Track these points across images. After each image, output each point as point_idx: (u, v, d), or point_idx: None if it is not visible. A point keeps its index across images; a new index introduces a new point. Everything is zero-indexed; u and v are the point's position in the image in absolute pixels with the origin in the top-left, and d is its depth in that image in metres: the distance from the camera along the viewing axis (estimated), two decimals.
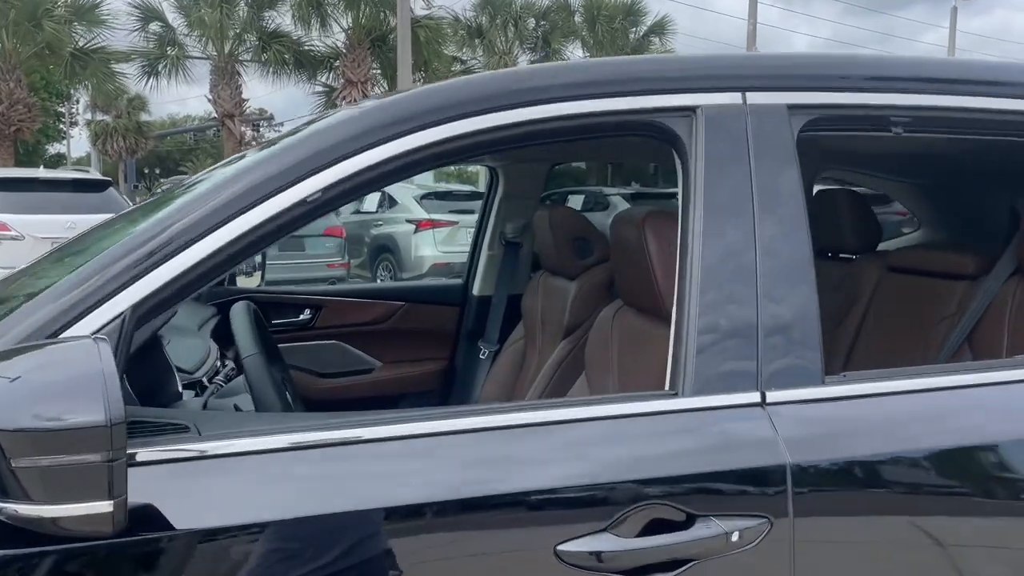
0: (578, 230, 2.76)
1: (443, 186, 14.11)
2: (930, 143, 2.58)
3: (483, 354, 3.13)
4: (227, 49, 18.68)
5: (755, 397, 1.42)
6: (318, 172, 1.35)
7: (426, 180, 13.10)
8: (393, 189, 12.32)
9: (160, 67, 18.41)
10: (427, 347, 3.21)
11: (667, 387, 1.45)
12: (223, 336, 1.92)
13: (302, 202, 1.34)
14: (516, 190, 3.15)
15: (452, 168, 26.48)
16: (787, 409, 1.42)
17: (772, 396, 1.42)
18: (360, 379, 3.09)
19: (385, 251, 11.47)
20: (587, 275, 2.72)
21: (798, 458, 1.36)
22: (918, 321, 2.58)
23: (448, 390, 3.20)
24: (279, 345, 3.00)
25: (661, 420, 1.40)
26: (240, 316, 1.67)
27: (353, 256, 11.27)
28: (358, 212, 12.28)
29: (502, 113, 1.43)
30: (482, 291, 3.23)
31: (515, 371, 2.96)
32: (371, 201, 12.20)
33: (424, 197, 11.61)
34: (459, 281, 3.36)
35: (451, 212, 10.97)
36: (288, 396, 1.73)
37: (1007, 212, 3.12)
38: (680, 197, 1.54)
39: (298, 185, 1.34)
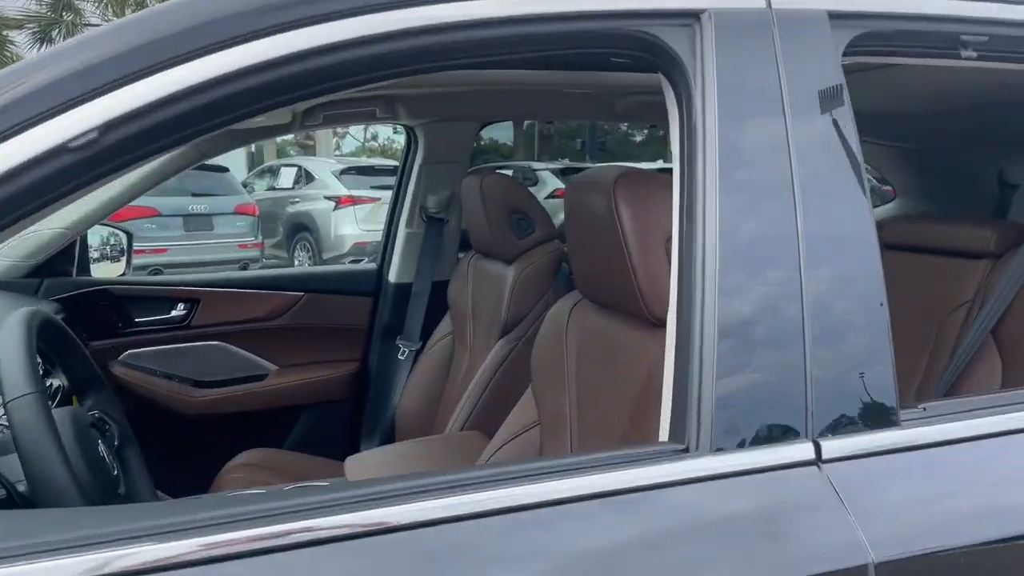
0: (515, 202, 2.24)
1: (364, 161, 13.41)
2: (931, 98, 2.16)
3: (402, 354, 2.58)
4: (127, 14, 17.45)
5: (806, 451, 0.93)
6: (93, 99, 0.80)
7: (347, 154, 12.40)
8: (311, 164, 11.63)
9: (54, 34, 17.07)
10: (333, 347, 2.65)
11: (667, 436, 0.95)
12: (58, 347, 1.34)
13: (61, 149, 0.78)
14: (439, 154, 2.60)
15: (376, 143, 25.52)
16: (856, 468, 0.93)
17: (831, 447, 0.93)
18: (249, 388, 2.52)
19: (303, 230, 10.76)
20: (527, 258, 2.20)
21: (885, 550, 0.87)
22: (925, 309, 2.14)
23: (360, 399, 2.65)
24: (145, 349, 2.43)
25: (665, 498, 0.89)
26: (9, 336, 1.08)
27: (268, 236, 10.53)
28: (273, 189, 11.55)
29: (388, 15, 0.89)
30: (400, 277, 2.67)
31: (442, 374, 2.44)
32: (287, 177, 11.47)
33: (344, 172, 10.92)
34: (372, 266, 2.80)
35: (373, 188, 10.35)
36: (103, 453, 1.16)
37: (995, 180, 2.80)
38: (677, 150, 1.04)
39: (51, 122, 0.78)
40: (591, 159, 16.62)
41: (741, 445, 0.91)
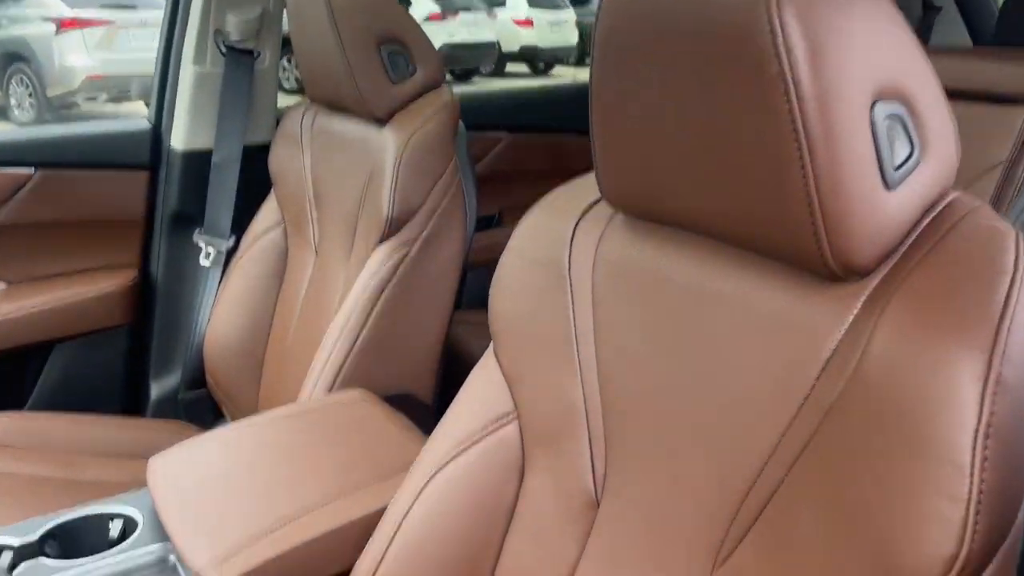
0: (386, 24, 1.43)
1: None
2: None
3: (206, 256, 1.75)
4: None
5: None
6: None
7: None
8: None
9: None
10: (93, 249, 1.76)
11: None
12: None
13: None
14: None
15: None
16: None
17: None
18: None
19: (17, 60, 8.78)
20: (411, 115, 1.43)
21: None
22: None
23: (143, 326, 1.80)
24: None
25: None
26: None
27: None
28: None
29: None
30: (190, 143, 1.78)
31: (271, 285, 1.65)
32: None
33: None
34: (144, 123, 1.86)
35: (104, 8, 8.56)
36: None
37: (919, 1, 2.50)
38: None
39: None
40: None
41: None
